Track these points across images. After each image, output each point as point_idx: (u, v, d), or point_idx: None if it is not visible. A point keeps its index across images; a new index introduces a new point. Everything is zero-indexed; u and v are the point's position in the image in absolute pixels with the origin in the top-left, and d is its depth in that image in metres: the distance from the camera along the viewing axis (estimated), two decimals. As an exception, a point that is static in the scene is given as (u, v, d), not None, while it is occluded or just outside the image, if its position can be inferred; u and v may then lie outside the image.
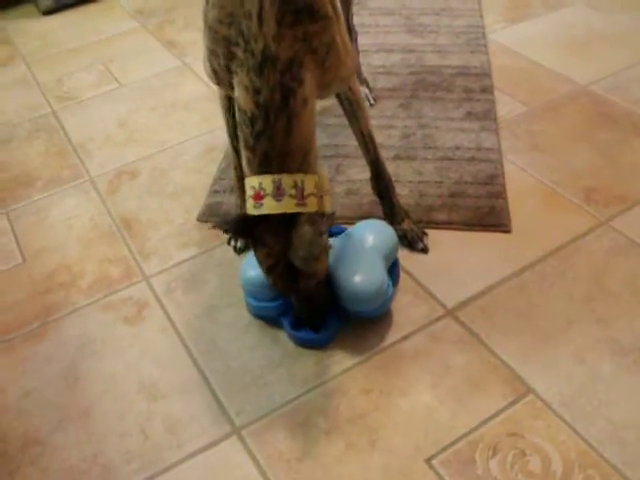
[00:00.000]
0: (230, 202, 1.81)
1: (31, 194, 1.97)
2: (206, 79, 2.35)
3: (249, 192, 1.27)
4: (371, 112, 2.09)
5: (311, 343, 1.48)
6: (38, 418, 1.39)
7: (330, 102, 2.09)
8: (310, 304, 1.42)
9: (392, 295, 1.51)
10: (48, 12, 3.02)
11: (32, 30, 2.92)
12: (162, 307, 1.59)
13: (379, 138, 1.95)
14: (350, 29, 2.02)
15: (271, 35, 1.20)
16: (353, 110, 1.54)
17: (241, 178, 1.46)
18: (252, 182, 1.26)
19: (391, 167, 1.85)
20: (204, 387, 1.42)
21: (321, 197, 1.29)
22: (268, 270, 1.32)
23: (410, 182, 1.82)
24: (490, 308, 1.52)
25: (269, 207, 1.24)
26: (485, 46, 2.40)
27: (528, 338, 1.45)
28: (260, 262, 1.32)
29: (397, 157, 1.91)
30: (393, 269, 1.56)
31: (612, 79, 2.23)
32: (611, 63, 2.31)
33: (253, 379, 1.42)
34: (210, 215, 1.79)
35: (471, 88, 2.18)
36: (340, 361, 1.44)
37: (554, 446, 1.26)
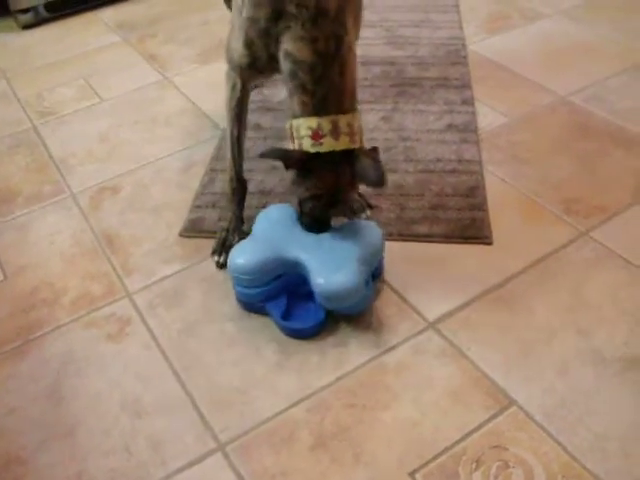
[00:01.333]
0: (212, 217, 1.81)
1: (12, 210, 1.96)
2: (188, 93, 2.40)
3: (305, 132, 1.39)
4: (352, 125, 2.11)
5: (300, 333, 1.51)
6: (21, 437, 1.38)
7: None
8: (324, 218, 1.54)
9: (371, 294, 1.53)
10: (28, 26, 3.00)
11: (12, 45, 2.91)
12: (145, 323, 1.59)
13: (361, 151, 1.98)
14: None
15: None
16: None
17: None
18: (310, 123, 1.39)
19: (373, 180, 1.87)
20: (188, 403, 1.41)
21: (361, 133, 1.44)
22: (312, 197, 1.46)
23: (391, 195, 1.83)
24: (472, 320, 1.53)
25: (329, 145, 1.38)
26: (465, 58, 2.42)
27: (510, 350, 1.46)
28: (306, 190, 1.47)
29: (379, 170, 1.92)
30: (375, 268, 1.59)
31: (591, 90, 2.26)
32: (590, 74, 2.34)
33: (237, 395, 1.42)
34: (192, 230, 1.79)
35: (452, 100, 2.19)
36: (323, 375, 1.44)
37: (537, 458, 1.27)
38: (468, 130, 2.06)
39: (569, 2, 2.82)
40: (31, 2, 2.95)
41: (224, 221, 1.74)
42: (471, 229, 1.72)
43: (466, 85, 2.27)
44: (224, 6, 2.16)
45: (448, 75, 2.32)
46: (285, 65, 1.41)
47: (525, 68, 2.39)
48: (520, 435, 1.31)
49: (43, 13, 3.01)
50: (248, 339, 1.53)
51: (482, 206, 1.78)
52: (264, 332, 1.54)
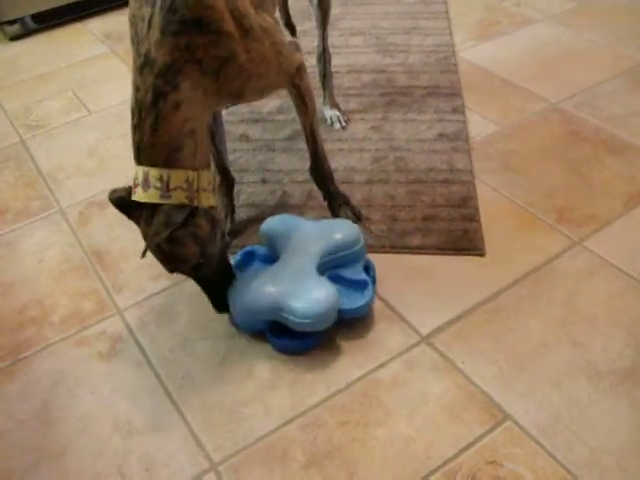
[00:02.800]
0: (202, 231, 1.80)
1: (0, 227, 1.94)
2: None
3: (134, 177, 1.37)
4: (342, 135, 2.10)
5: (293, 349, 1.50)
6: (11, 460, 1.36)
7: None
8: (206, 287, 1.50)
9: (372, 296, 1.53)
10: (15, 38, 2.99)
11: (-1, 56, 2.89)
12: (136, 341, 1.57)
13: (350, 162, 1.97)
14: (324, 50, 2.10)
15: (154, 40, 1.29)
16: (298, 105, 1.66)
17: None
18: (135, 170, 1.36)
19: (363, 191, 1.87)
20: (180, 423, 1.40)
21: (197, 191, 1.35)
22: (144, 252, 1.38)
23: (383, 206, 1.81)
24: (466, 333, 1.52)
25: (138, 196, 1.34)
26: (455, 65, 2.41)
27: (504, 363, 1.45)
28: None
29: (369, 181, 1.91)
30: (368, 270, 1.60)
31: (582, 96, 2.25)
32: (580, 80, 2.33)
33: (229, 413, 1.40)
34: (183, 245, 1.77)
35: (442, 108, 2.18)
36: (316, 392, 1.43)
37: (533, 473, 1.26)
38: (459, 139, 2.05)
39: (558, 8, 2.81)
40: (18, 13, 2.93)
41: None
42: (464, 240, 1.71)
43: (457, 93, 2.26)
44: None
45: (439, 83, 2.31)
46: None
47: (515, 75, 2.38)
48: (516, 450, 1.30)
49: (31, 24, 2.99)
50: (240, 356, 1.51)
51: (474, 217, 1.77)
52: (256, 349, 1.52)
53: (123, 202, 1.38)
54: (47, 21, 3.02)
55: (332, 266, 1.56)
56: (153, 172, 1.32)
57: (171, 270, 1.44)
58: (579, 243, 1.71)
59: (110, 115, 2.39)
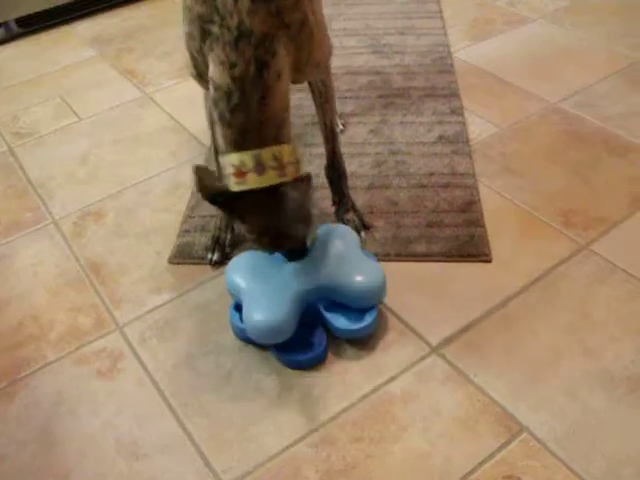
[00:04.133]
0: (201, 242, 1.75)
1: (-8, 240, 1.89)
2: (169, 110, 2.34)
3: (229, 169, 1.28)
4: (341, 140, 2.03)
5: (301, 364, 1.46)
6: (12, 485, 1.32)
7: (301, 130, 2.06)
8: (300, 250, 1.44)
9: (375, 317, 1.48)
10: (-1, 42, 2.93)
11: (-17, 62, 2.82)
12: (137, 358, 1.53)
13: (351, 167, 1.93)
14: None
15: (245, 10, 1.23)
16: (322, 101, 1.62)
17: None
18: (232, 159, 1.28)
19: (365, 197, 1.83)
20: (187, 442, 1.36)
21: (297, 163, 1.32)
22: (256, 240, 1.35)
23: (386, 213, 1.78)
24: (476, 343, 1.49)
25: (253, 182, 1.26)
26: (452, 65, 2.38)
27: (517, 373, 1.42)
28: (246, 234, 1.35)
29: (371, 186, 1.87)
30: None
31: (580, 96, 2.23)
32: (578, 79, 2.31)
33: (238, 432, 1.36)
34: (181, 257, 1.73)
35: (441, 110, 2.15)
36: (327, 408, 1.39)
37: (552, 487, 1.23)
38: (459, 141, 2.01)
39: (552, 6, 2.79)
40: (1, 17, 2.86)
41: (217, 218, 1.74)
42: (469, 247, 1.68)
43: (454, 94, 2.22)
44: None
45: (435, 84, 2.28)
46: (210, 91, 1.32)
47: (512, 75, 2.36)
48: (533, 463, 1.27)
49: (15, 28, 2.92)
50: (246, 372, 1.47)
51: (479, 222, 1.74)
52: (263, 364, 1.48)
53: (221, 197, 1.30)
54: (31, 25, 2.95)
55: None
56: (266, 153, 1.26)
57: (278, 249, 1.41)
58: (586, 247, 1.69)
59: (101, 121, 2.33)
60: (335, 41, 2.57)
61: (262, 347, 1.50)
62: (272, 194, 1.29)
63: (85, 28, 3.00)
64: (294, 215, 1.31)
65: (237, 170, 1.27)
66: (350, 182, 1.86)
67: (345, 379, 1.44)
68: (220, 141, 1.32)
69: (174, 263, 1.72)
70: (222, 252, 1.70)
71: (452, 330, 1.52)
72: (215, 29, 1.26)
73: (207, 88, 1.50)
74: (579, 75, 2.33)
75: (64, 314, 1.64)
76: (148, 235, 1.83)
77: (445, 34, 2.58)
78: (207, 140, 1.99)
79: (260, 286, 1.46)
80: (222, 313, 1.57)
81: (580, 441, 1.30)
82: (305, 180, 1.33)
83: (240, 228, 1.38)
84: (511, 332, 1.50)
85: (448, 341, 1.50)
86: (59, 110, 2.42)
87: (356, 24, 2.68)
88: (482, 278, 1.63)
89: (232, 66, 1.25)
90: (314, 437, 1.34)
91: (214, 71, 1.28)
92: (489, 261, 1.66)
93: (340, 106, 2.19)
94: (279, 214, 1.30)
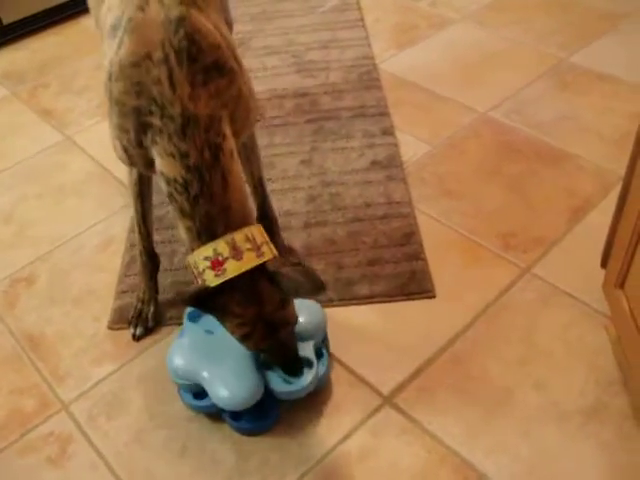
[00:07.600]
0: (140, 303, 1.70)
1: None
2: (94, 154, 2.24)
3: (203, 264, 1.23)
4: (272, 174, 2.01)
5: (255, 431, 1.44)
6: None
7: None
8: (287, 350, 1.36)
9: (325, 371, 1.47)
10: None
11: None
12: (87, 439, 1.47)
13: (285, 204, 1.90)
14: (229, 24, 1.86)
15: (186, 96, 1.21)
16: (248, 154, 1.60)
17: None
18: (205, 252, 1.23)
19: (302, 237, 1.80)
20: (146, 528, 1.33)
21: (268, 243, 1.27)
22: (244, 338, 1.28)
23: (325, 254, 1.75)
24: (428, 388, 1.48)
25: (233, 269, 1.21)
26: (378, 80, 2.35)
27: (470, 416, 1.43)
28: (233, 333, 1.29)
29: (307, 225, 1.84)
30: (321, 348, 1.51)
31: (509, 103, 2.22)
32: (505, 84, 2.31)
33: (197, 511, 1.34)
34: (120, 322, 1.67)
35: (371, 131, 2.12)
36: (286, 474, 1.37)
37: (515, 536, 1.24)
38: (393, 165, 1.99)
39: (474, 5, 2.77)
40: None
41: (139, 291, 1.67)
42: (412, 283, 1.66)
43: (383, 112, 2.20)
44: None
45: (364, 102, 2.25)
46: (161, 185, 1.27)
47: (440, 84, 2.34)
48: (495, 512, 1.28)
49: None
50: (201, 443, 1.44)
51: (419, 254, 1.73)
52: (216, 433, 1.45)
53: (201, 297, 1.22)
54: None
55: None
56: (239, 235, 1.23)
57: (267, 346, 1.31)
58: (528, 271, 1.69)
59: (22, 171, 2.22)
60: (256, 61, 2.51)
61: (214, 416, 1.47)
62: (251, 283, 1.23)
63: (-7, 63, 2.85)
64: (310, 281, 1.21)
65: (213, 262, 1.21)
66: (285, 222, 1.84)
67: (301, 442, 1.42)
68: (184, 236, 1.27)
69: (114, 329, 1.67)
70: (145, 326, 1.64)
71: (402, 376, 1.51)
72: (156, 121, 1.22)
73: (135, 178, 1.49)
74: (507, 79, 2.33)
75: (3, 398, 1.57)
76: (84, 299, 1.76)
77: (369, 45, 2.54)
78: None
79: (219, 364, 1.42)
80: (168, 381, 1.52)
81: (537, 482, 1.31)
82: (292, 252, 1.37)
83: (227, 327, 1.29)
84: (461, 372, 1.50)
85: (400, 389, 1.49)
86: (-25, 161, 2.30)
87: (277, 40, 2.61)
88: (427, 316, 1.62)
89: (184, 156, 1.21)
90: (275, 509, 1.33)
91: (163, 164, 1.24)
92: (433, 297, 1.65)
93: (268, 136, 2.14)
94: (272, 296, 1.24)
